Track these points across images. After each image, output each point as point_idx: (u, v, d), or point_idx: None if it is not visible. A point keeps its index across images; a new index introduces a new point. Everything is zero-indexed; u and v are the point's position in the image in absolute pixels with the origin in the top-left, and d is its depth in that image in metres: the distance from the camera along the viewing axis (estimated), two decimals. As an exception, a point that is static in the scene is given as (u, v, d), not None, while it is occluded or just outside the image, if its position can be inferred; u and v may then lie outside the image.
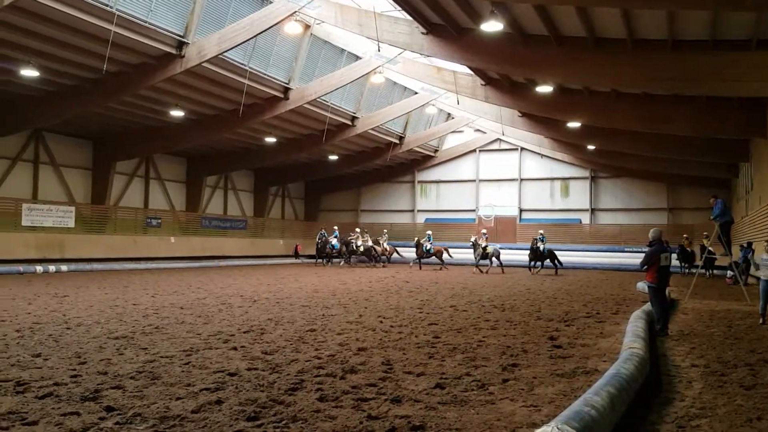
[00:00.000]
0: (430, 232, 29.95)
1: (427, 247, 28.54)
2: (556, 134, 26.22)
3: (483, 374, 6.18)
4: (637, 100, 18.66)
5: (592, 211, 33.34)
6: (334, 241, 29.34)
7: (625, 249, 30.16)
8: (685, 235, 26.08)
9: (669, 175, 29.94)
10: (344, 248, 29.24)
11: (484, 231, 27.16)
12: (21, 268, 19.76)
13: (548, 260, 25.24)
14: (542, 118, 23.76)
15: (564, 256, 30.90)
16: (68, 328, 8.53)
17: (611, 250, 30.84)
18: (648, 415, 5.03)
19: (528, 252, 25.75)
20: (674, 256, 22.11)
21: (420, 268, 28.08)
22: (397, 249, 31.37)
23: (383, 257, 30.45)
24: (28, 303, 11.51)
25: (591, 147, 27.22)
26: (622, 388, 4.82)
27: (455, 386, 5.66)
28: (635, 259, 25.51)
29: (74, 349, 7.04)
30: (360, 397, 5.22)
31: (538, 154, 33.67)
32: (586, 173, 33.36)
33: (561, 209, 33.93)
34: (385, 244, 30.43)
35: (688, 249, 25.30)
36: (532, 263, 25.37)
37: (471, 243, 26.24)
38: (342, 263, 30.06)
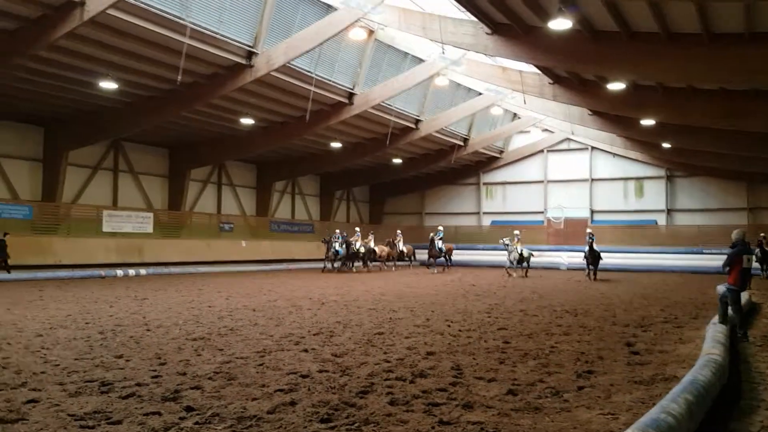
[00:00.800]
0: (441, 228, 28.49)
1: (439, 246, 27.13)
2: (628, 132, 25.38)
3: (557, 381, 6.02)
4: (714, 95, 17.83)
5: (668, 211, 32.05)
6: (337, 246, 26.22)
7: (704, 251, 28.78)
8: (762, 234, 24.50)
9: (748, 173, 28.46)
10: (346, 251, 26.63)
11: (517, 232, 25.73)
12: (102, 272, 20.73)
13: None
14: (614, 116, 23.04)
15: (639, 259, 30.02)
16: (148, 330, 8.88)
17: (688, 252, 29.47)
18: (729, 423, 4.79)
19: (584, 254, 23.23)
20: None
21: (442, 269, 27.17)
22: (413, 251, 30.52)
23: (403, 259, 29.48)
24: (109, 306, 12.05)
25: (666, 145, 26.19)
26: (700, 395, 4.61)
27: (528, 393, 5.55)
28: (714, 261, 24.35)
29: (154, 350, 7.32)
30: (431, 402, 5.18)
31: (610, 153, 32.65)
32: (662, 172, 32.12)
33: (635, 210, 32.77)
34: (400, 245, 29.21)
35: (767, 248, 23.90)
36: (591, 267, 22.69)
37: (503, 245, 24.97)
38: (353, 267, 27.53)
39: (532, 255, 24.73)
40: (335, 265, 26.48)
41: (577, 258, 31.17)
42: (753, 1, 11.17)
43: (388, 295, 15.17)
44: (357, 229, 27.89)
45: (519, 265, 24.52)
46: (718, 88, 17.29)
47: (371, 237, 28.59)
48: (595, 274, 22.63)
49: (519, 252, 24.29)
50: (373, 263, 28.81)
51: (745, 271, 9.02)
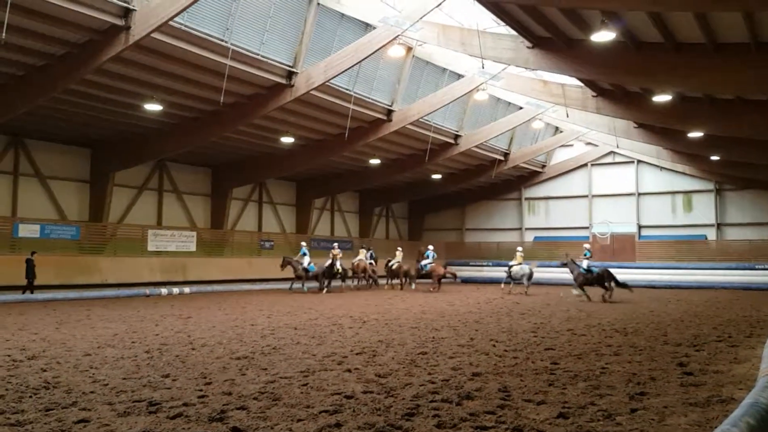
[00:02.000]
0: (431, 247, 26.98)
1: (422, 264, 25.90)
2: (675, 145, 24.77)
3: (609, 403, 5.81)
4: (764, 106, 17.26)
5: (719, 226, 31.04)
6: (305, 261, 23.78)
7: (756, 266, 27.74)
8: None
9: (802, 185, 27.43)
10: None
11: (520, 249, 24.94)
12: (147, 290, 21.09)
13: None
14: (660, 128, 22.54)
15: (689, 275, 29.09)
16: (193, 349, 8.94)
17: (740, 267, 28.43)
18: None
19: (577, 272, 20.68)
20: None
21: (432, 288, 25.22)
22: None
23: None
24: (155, 324, 12.21)
25: (715, 157, 25.46)
26: (762, 419, 4.37)
27: (580, 416, 5.35)
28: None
29: (200, 369, 7.35)
30: (479, 425, 5.05)
31: (657, 166, 31.88)
32: (711, 186, 31.19)
33: (684, 225, 31.81)
34: (398, 260, 26.30)
35: None
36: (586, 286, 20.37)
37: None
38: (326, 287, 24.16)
39: (533, 272, 23.83)
40: (299, 285, 23.70)
41: (624, 275, 30.53)
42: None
43: (430, 314, 15.01)
44: (335, 244, 25.89)
45: (516, 282, 23.56)
46: (769, 98, 16.77)
47: (363, 252, 26.88)
48: (608, 292, 19.64)
49: (523, 268, 23.55)
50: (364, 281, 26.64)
51: None
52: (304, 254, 24.19)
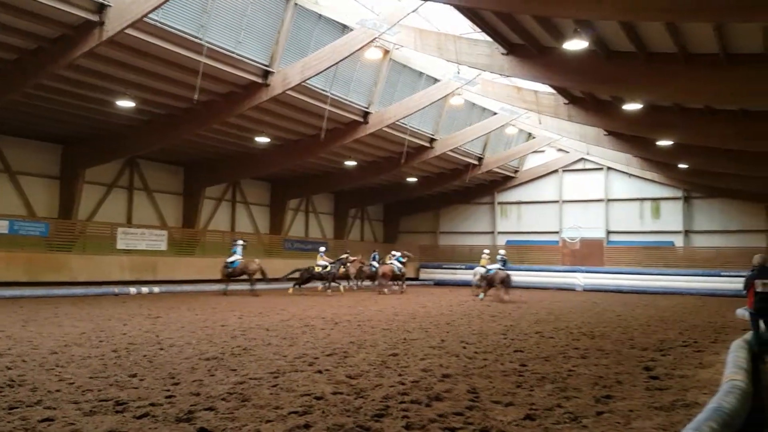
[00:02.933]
0: (376, 251, 26.67)
1: (375, 267, 25.80)
2: (645, 153, 25.21)
3: (575, 406, 5.91)
4: (733, 116, 17.68)
5: (686, 233, 31.68)
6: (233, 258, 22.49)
7: (722, 273, 28.37)
8: None
9: (768, 194, 28.12)
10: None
11: (487, 251, 25.05)
12: (116, 289, 20.77)
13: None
14: (630, 136, 22.92)
15: (656, 280, 29.67)
16: (162, 349, 8.84)
17: (707, 274, 29.05)
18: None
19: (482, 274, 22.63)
20: None
21: (397, 290, 25.01)
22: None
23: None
24: (123, 324, 12.05)
25: (683, 166, 25.98)
26: (725, 423, 4.50)
27: (546, 418, 5.44)
28: (733, 284, 23.94)
29: (168, 369, 7.28)
30: (447, 426, 5.10)
31: (626, 173, 32.44)
32: (679, 193, 31.82)
33: (651, 231, 32.42)
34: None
35: None
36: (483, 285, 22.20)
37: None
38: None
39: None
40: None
41: (592, 279, 31.12)
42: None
43: (402, 315, 15.06)
44: (322, 248, 24.90)
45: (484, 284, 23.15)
46: (738, 108, 17.16)
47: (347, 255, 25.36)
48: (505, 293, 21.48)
49: (479, 271, 23.83)
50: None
51: (759, 295, 9.26)
52: (234, 252, 22.63)
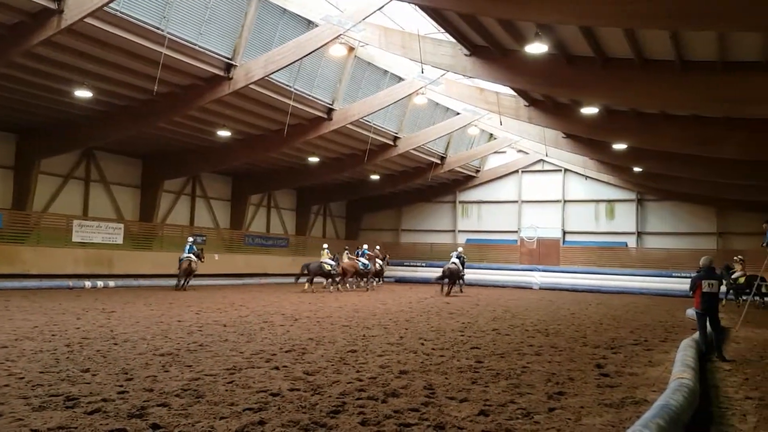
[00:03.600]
0: (326, 246, 25.56)
1: (364, 263, 26.26)
2: (601, 156, 25.77)
3: (528, 402, 6.04)
4: (686, 122, 18.23)
5: (639, 234, 32.53)
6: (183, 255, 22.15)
7: (673, 274, 29.25)
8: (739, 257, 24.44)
9: (719, 198, 29.01)
10: None
11: (460, 249, 26.26)
12: (71, 282, 20.32)
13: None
14: (587, 139, 23.41)
15: (610, 280, 30.43)
16: (116, 344, 8.71)
17: (658, 274, 29.93)
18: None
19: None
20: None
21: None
22: None
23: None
24: (77, 318, 11.81)
25: (638, 169, 26.66)
26: (672, 421, 4.65)
27: (500, 414, 5.55)
28: (684, 284, 24.59)
29: (121, 365, 7.18)
30: (402, 422, 5.16)
31: (583, 175, 33.11)
32: (633, 196, 32.65)
33: (606, 232, 33.21)
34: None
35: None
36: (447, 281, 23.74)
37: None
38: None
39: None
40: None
41: (549, 278, 31.76)
42: (725, 32, 11.51)
43: (362, 312, 15.11)
44: (325, 246, 25.35)
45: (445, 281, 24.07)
46: (691, 114, 17.70)
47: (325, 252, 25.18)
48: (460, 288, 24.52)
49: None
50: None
51: (705, 296, 9.55)
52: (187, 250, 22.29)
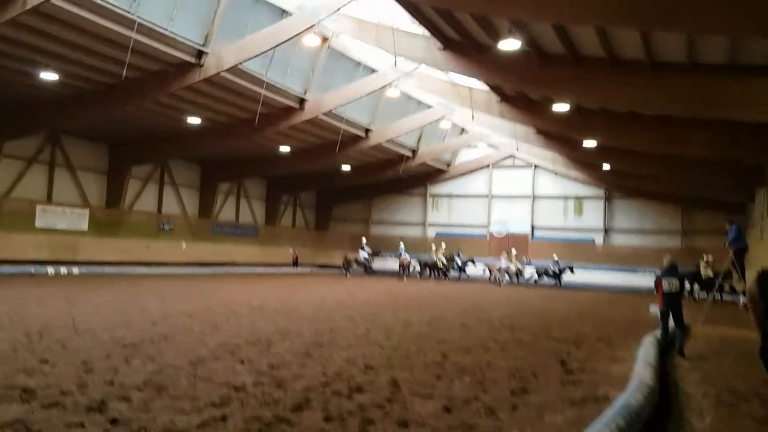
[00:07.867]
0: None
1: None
2: (571, 153, 26.11)
3: (492, 399, 6.07)
4: (654, 121, 18.55)
5: (606, 230, 33.09)
6: None
7: (638, 270, 29.82)
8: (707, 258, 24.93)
9: (684, 197, 29.69)
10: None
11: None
12: (32, 269, 19.88)
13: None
14: (558, 136, 23.68)
15: (577, 275, 30.85)
16: (76, 334, 8.52)
17: (624, 270, 30.50)
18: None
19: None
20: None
21: None
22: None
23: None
24: (37, 305, 11.54)
25: (606, 167, 27.06)
26: (632, 420, 4.73)
27: (463, 410, 5.57)
28: (649, 281, 25.06)
29: (82, 356, 7.02)
30: (366, 418, 5.14)
31: (552, 171, 33.54)
32: (601, 192, 33.18)
33: (574, 228, 33.72)
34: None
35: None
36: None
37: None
38: None
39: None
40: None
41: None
42: (693, 34, 11.70)
43: (330, 303, 15.07)
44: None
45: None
46: (659, 114, 18.01)
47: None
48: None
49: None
50: None
51: (666, 296, 9.65)
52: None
